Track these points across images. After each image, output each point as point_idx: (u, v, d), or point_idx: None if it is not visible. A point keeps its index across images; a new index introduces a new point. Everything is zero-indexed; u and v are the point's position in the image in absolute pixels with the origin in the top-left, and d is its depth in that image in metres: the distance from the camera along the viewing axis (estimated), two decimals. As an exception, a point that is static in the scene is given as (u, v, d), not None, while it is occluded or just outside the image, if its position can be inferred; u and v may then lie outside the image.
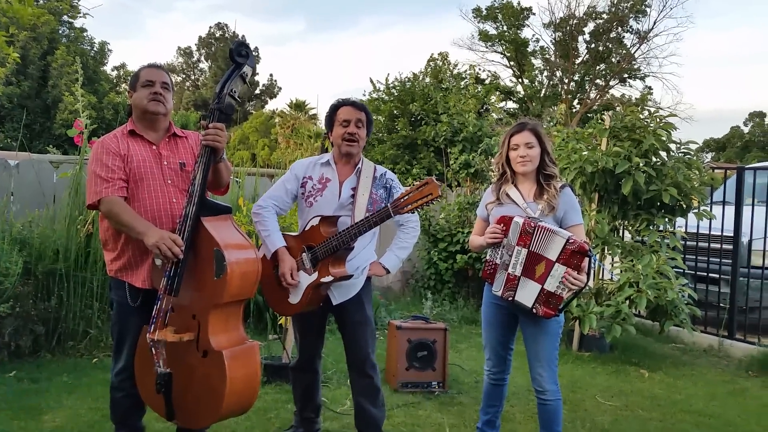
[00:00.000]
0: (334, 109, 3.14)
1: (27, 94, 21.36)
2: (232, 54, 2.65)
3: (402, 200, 2.80)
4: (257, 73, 44.97)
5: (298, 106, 29.30)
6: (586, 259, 2.80)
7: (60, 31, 23.61)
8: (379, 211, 2.85)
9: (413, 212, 2.84)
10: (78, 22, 24.35)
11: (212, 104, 2.63)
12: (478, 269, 6.86)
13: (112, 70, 27.75)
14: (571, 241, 2.78)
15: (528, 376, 3.13)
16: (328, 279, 2.92)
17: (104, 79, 24.08)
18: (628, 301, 5.12)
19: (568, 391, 4.38)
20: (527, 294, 2.89)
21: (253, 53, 2.72)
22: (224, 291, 2.48)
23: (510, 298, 2.95)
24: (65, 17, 23.36)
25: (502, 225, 2.97)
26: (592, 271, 2.85)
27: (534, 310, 2.87)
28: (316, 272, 2.95)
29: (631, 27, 28.76)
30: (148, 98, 2.74)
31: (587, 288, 3.59)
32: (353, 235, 2.87)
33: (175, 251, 2.48)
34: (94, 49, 24.83)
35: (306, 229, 3.02)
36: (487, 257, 3.08)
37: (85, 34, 24.72)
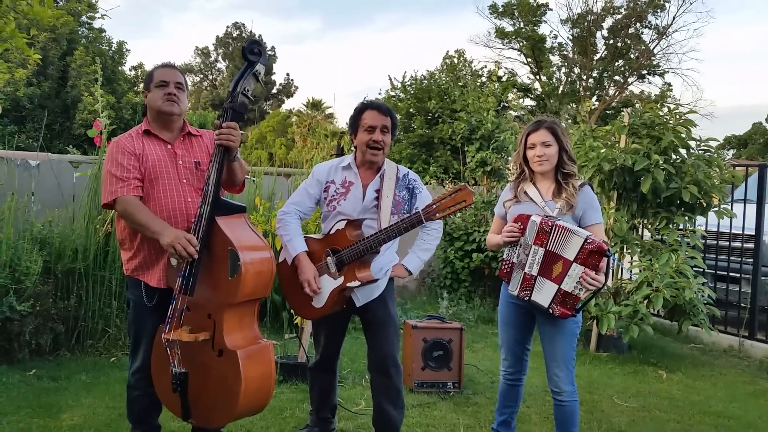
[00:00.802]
0: (359, 112, 3.09)
1: (47, 94, 21.66)
2: (245, 52, 2.62)
3: (434, 206, 2.77)
4: (274, 72, 45.22)
5: (315, 105, 29.39)
6: (605, 259, 2.76)
7: (79, 32, 23.88)
8: (410, 216, 2.82)
9: (444, 219, 2.80)
10: (96, 23, 24.66)
11: (225, 103, 2.62)
12: (494, 268, 6.83)
13: (130, 70, 28.08)
14: (589, 240, 2.74)
15: (544, 377, 3.10)
16: (354, 284, 2.90)
17: (122, 79, 24.35)
18: (645, 301, 5.06)
19: (585, 392, 4.34)
20: (544, 294, 2.86)
21: (267, 51, 2.69)
22: (238, 290, 2.48)
23: (526, 298, 2.92)
24: (84, 18, 23.63)
25: (519, 224, 2.94)
26: (610, 271, 2.81)
27: (550, 310, 2.85)
28: (342, 276, 2.93)
29: (649, 22, 28.50)
30: (162, 99, 2.75)
31: (605, 288, 3.55)
32: (381, 240, 2.84)
33: (189, 251, 2.49)
34: (113, 49, 25.10)
35: (331, 232, 3.00)
36: (504, 256, 3.05)
37: (103, 34, 25.01)
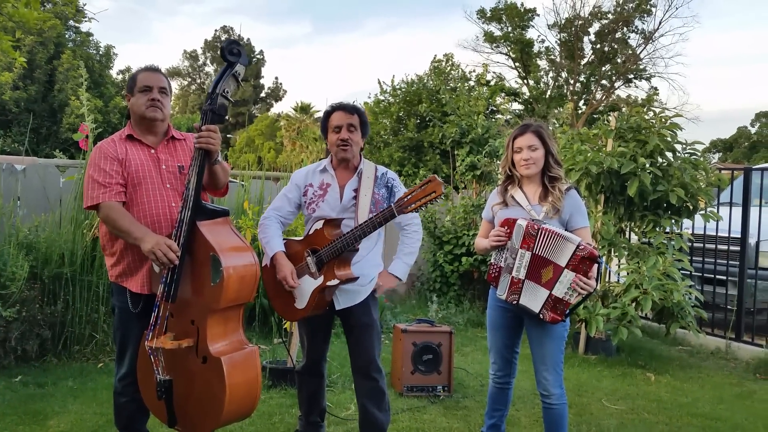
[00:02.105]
0: (327, 115, 3.14)
1: (34, 98, 21.50)
2: (224, 53, 2.57)
3: (405, 199, 2.79)
4: (263, 76, 45.16)
5: (304, 109, 29.37)
6: (595, 266, 2.78)
7: (66, 36, 23.74)
8: (383, 211, 2.84)
9: (417, 211, 2.83)
10: (84, 27, 24.52)
11: (204, 105, 2.58)
12: (483, 272, 6.84)
13: (118, 74, 27.99)
14: (581, 247, 2.76)
15: (533, 380, 3.11)
16: (333, 282, 2.91)
17: (110, 83, 24.23)
18: (633, 303, 5.09)
19: (573, 395, 4.36)
20: (534, 299, 2.87)
21: (245, 51, 2.64)
22: (221, 296, 2.45)
23: (515, 302, 2.93)
24: (71, 21, 23.51)
25: (506, 228, 2.96)
26: (599, 276, 2.83)
27: (541, 316, 2.86)
28: (322, 276, 2.94)
29: (636, 27, 28.68)
30: (145, 105, 2.72)
31: (594, 292, 3.57)
32: (357, 236, 2.86)
33: (170, 257, 2.47)
34: (100, 53, 24.98)
35: (310, 233, 3.02)
36: (492, 260, 3.07)
37: (91, 38, 24.87)
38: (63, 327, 4.65)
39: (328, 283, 2.92)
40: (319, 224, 2.99)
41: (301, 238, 3.09)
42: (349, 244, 2.87)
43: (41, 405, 3.79)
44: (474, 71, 21.98)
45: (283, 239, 3.11)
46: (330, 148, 3.12)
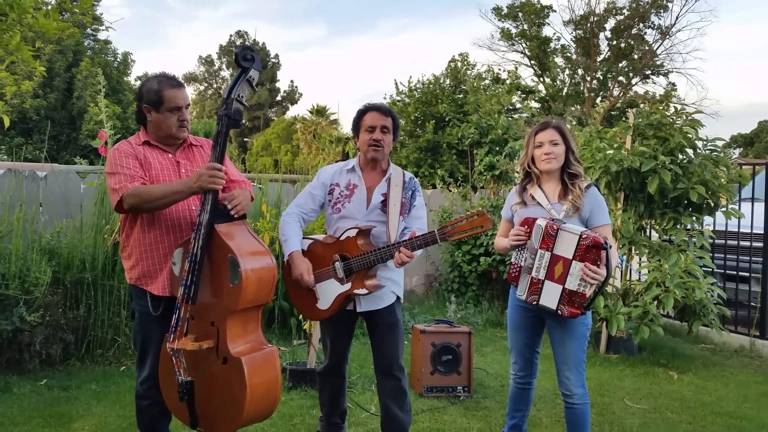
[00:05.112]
0: (361, 114, 3.14)
1: (53, 106, 21.77)
2: (237, 58, 2.59)
3: (449, 228, 2.80)
4: (278, 80, 45.40)
5: (319, 112, 29.46)
6: (603, 252, 2.77)
7: (84, 44, 24.02)
8: (424, 235, 2.84)
9: (458, 242, 2.82)
10: (102, 35, 24.80)
11: (220, 110, 2.58)
12: (502, 271, 6.81)
13: (136, 80, 28.18)
14: (584, 236, 2.76)
15: (554, 380, 3.09)
16: (362, 292, 2.93)
17: (128, 90, 24.46)
18: (655, 302, 5.04)
19: (595, 394, 4.32)
20: (550, 296, 2.86)
21: (259, 57, 2.66)
22: (240, 297, 2.47)
23: (534, 302, 2.92)
24: (89, 30, 23.78)
25: (525, 227, 2.95)
26: (611, 264, 2.82)
27: (559, 312, 2.84)
28: (350, 283, 2.95)
29: (652, 23, 28.45)
30: (176, 125, 2.74)
31: (610, 280, 3.54)
32: (394, 253, 2.85)
33: (220, 176, 2.49)
34: (118, 59, 25.24)
35: (341, 238, 3.01)
36: (512, 260, 3.05)
37: (108, 45, 25.15)
38: (85, 331, 4.70)
39: (356, 292, 2.93)
40: (352, 232, 2.98)
41: (330, 241, 3.07)
42: (382, 260, 2.88)
43: (66, 408, 3.84)
44: (490, 70, 21.88)
45: (311, 239, 3.11)
46: (360, 146, 3.12)
